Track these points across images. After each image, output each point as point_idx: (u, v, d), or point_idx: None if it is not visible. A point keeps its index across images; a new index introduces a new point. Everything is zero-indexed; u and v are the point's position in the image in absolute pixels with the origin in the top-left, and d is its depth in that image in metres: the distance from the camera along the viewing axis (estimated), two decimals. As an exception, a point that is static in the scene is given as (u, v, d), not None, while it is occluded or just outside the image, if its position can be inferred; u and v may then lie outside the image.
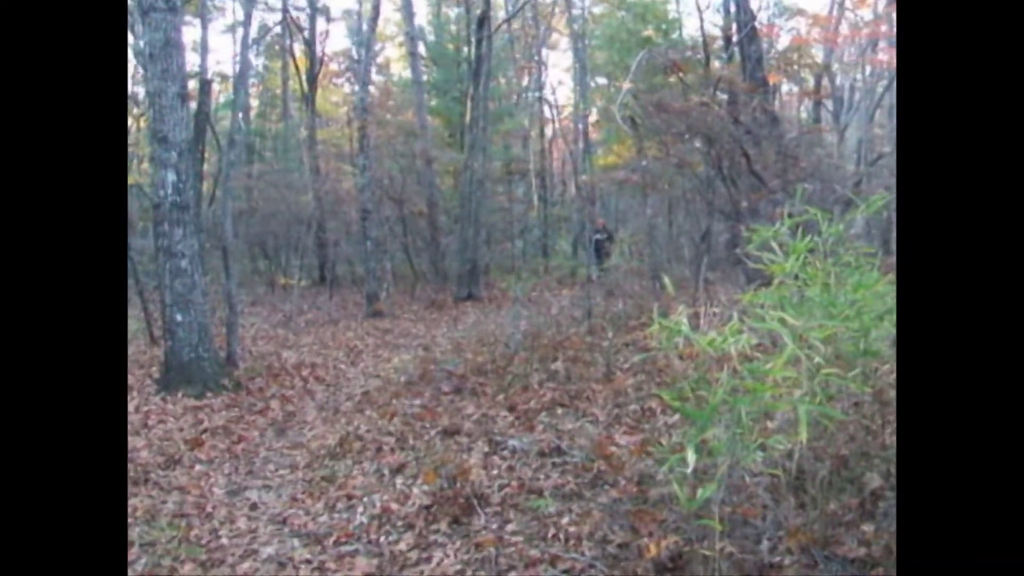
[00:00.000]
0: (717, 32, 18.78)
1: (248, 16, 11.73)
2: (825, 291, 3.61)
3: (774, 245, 3.91)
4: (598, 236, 18.76)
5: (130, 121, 27.40)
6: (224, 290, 10.20)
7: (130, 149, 26.12)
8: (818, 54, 23.88)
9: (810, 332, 3.31)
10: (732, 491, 3.83)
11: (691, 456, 2.85)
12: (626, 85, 12.33)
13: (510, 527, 4.34)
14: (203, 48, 12.39)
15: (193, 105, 9.57)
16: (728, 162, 10.34)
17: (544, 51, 32.74)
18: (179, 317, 8.36)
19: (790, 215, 4.00)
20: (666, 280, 4.02)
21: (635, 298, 13.05)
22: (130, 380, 8.99)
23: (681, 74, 12.86)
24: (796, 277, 3.83)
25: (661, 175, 14.07)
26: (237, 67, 11.27)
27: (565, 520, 4.30)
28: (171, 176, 8.15)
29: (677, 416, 6.05)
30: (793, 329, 3.23)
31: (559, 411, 6.74)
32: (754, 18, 11.56)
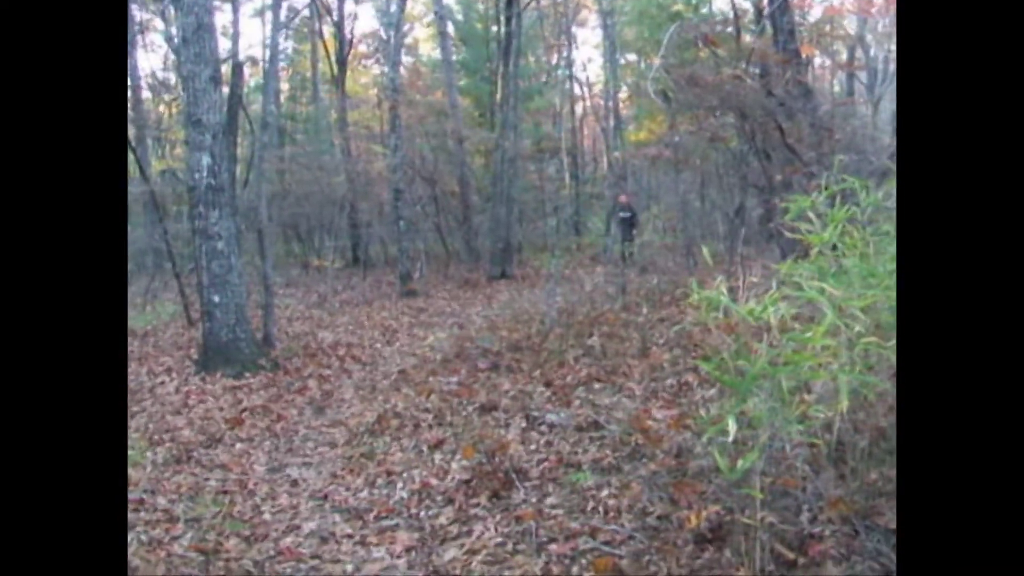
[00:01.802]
0: (748, 6, 18.63)
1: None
2: (864, 260, 3.58)
3: (811, 216, 3.89)
4: (622, 214, 18.23)
5: (161, 107, 27.64)
6: (260, 272, 10.29)
7: (161, 135, 26.38)
8: (851, 25, 23.57)
9: (849, 302, 3.29)
10: (771, 462, 3.82)
11: (732, 425, 2.85)
12: (657, 60, 12.21)
13: (549, 500, 4.36)
14: (235, 32, 12.43)
15: (226, 89, 9.60)
16: (762, 136, 10.23)
17: (573, 29, 32.57)
18: (216, 298, 8.45)
19: (826, 187, 3.97)
20: (704, 250, 4.01)
21: (669, 274, 13.03)
22: (169, 361, 9.12)
23: (713, 47, 12.72)
24: (834, 248, 3.80)
25: (694, 150, 14.00)
26: (267, 51, 11.28)
27: (604, 493, 4.31)
28: (206, 159, 8.22)
29: (714, 390, 6.05)
30: (832, 299, 3.21)
31: (596, 386, 6.74)
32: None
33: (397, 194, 16.63)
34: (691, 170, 16.66)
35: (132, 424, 6.69)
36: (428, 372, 8.18)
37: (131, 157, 11.36)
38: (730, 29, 16.75)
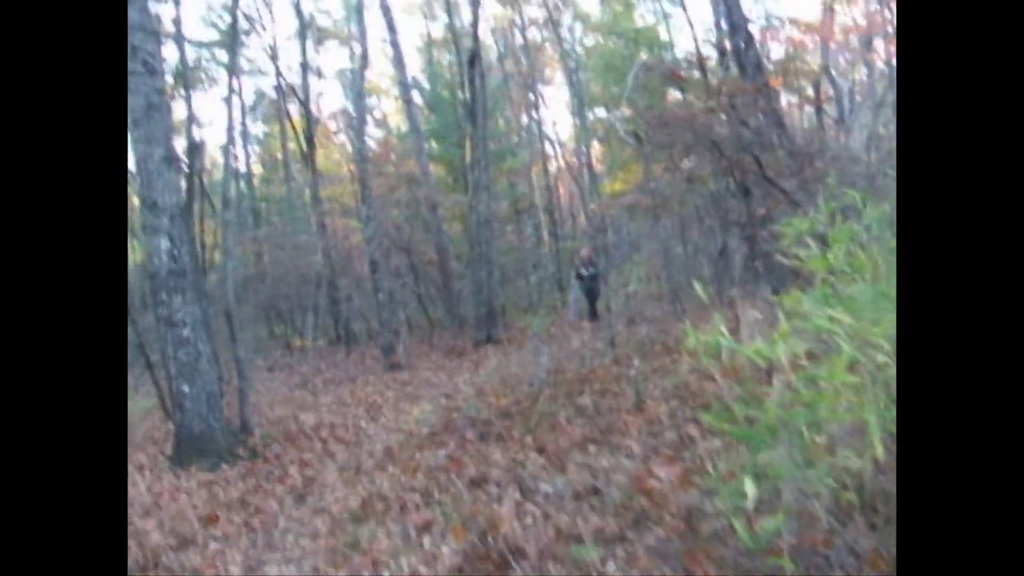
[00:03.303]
0: (710, 51, 18.57)
1: (230, 80, 11.49)
2: (876, 282, 3.20)
3: (808, 241, 3.53)
4: (583, 271, 17.05)
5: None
6: (233, 356, 9.87)
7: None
8: (814, 60, 23.69)
9: (866, 331, 2.90)
10: (789, 514, 3.42)
11: (750, 487, 2.45)
12: (624, 104, 12.00)
13: (550, 581, 3.92)
14: (189, 111, 12.16)
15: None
16: (739, 171, 9.96)
17: (540, 87, 32.68)
18: (186, 388, 8.02)
19: (824, 204, 3.61)
20: (697, 286, 3.64)
21: (657, 323, 12.67)
22: (142, 458, 8.64)
23: (681, 82, 12.52)
24: (831, 273, 3.44)
25: (671, 194, 13.71)
26: (228, 132, 11.00)
27: (611, 567, 3.88)
28: (164, 243, 7.85)
29: (719, 440, 5.64)
30: (847, 328, 2.82)
31: (591, 448, 6.31)
32: (748, 22, 11.23)
33: (373, 266, 16.28)
34: (670, 215, 16.36)
35: (97, 532, 6.20)
36: (415, 447, 7.74)
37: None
38: (696, 73, 16.63)
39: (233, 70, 13.03)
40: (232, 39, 13.26)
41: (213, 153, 38.16)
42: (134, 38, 7.78)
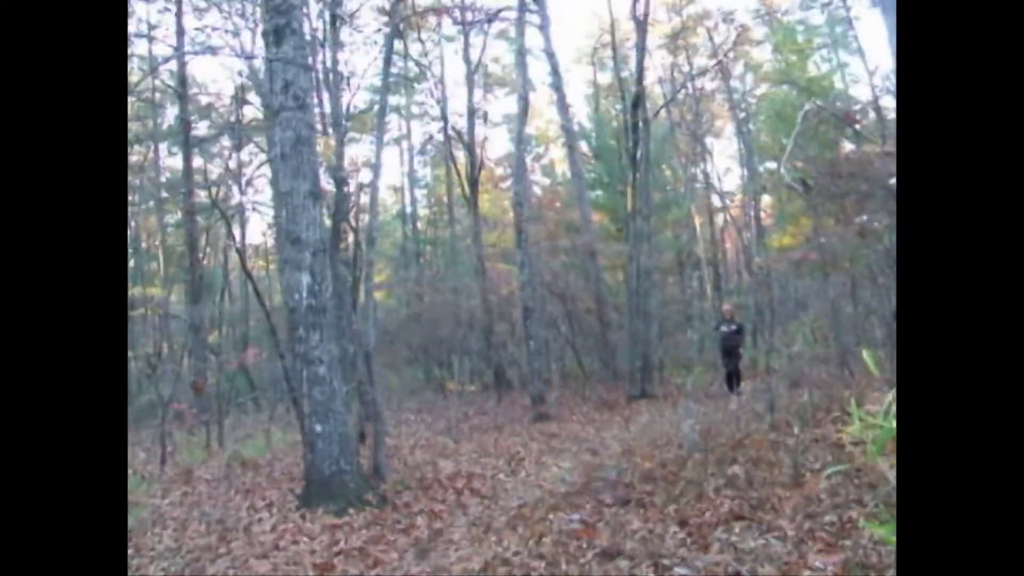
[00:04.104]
0: (889, 101, 17.52)
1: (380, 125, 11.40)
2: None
3: None
4: (724, 328, 15.56)
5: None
6: (368, 397, 9.66)
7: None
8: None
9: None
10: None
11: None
12: (789, 145, 11.26)
13: None
14: (338, 147, 12.16)
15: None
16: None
17: (708, 139, 31.99)
18: (319, 428, 7.80)
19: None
20: (864, 354, 3.05)
21: (822, 387, 11.78)
22: (273, 495, 8.49)
23: (854, 124, 11.66)
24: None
25: (841, 250, 12.80)
26: (374, 169, 10.88)
27: None
28: (305, 278, 7.70)
29: (885, 528, 4.92)
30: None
31: (738, 525, 5.67)
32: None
33: (527, 312, 15.94)
34: (840, 272, 15.36)
35: (210, 569, 6.00)
36: (549, 507, 7.23)
37: (250, 288, 11.10)
38: (871, 113, 15.68)
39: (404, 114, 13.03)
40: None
41: (382, 195, 39.27)
42: (287, 72, 7.74)
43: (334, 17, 15.34)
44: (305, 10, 20.96)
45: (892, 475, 2.70)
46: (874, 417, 2.48)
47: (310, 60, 17.42)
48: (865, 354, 3.12)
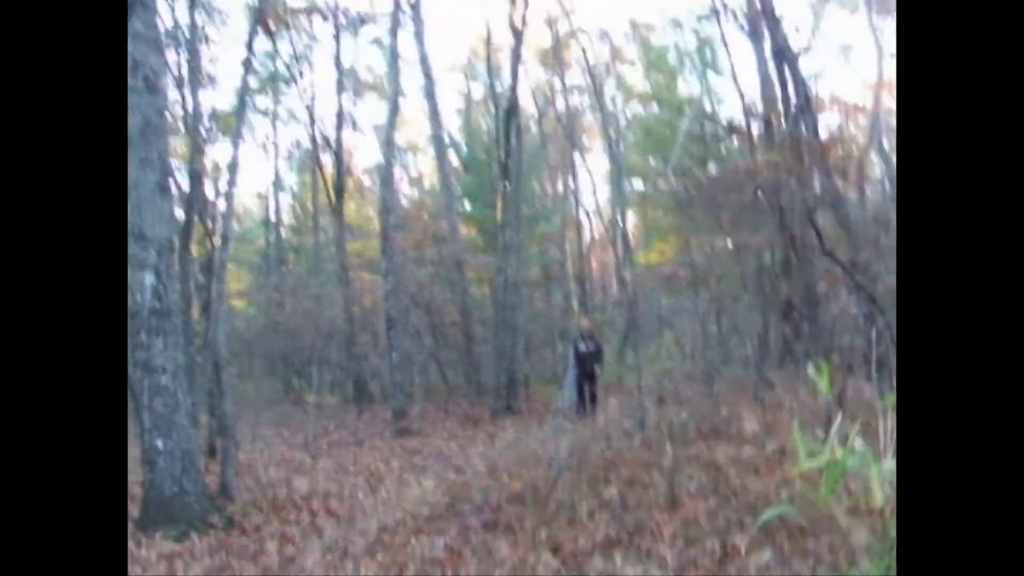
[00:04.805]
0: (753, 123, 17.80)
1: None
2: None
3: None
4: (580, 346, 14.49)
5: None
6: (217, 410, 8.95)
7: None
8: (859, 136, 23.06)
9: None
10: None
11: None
12: (675, 153, 11.13)
13: None
14: (195, 142, 11.37)
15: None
16: (801, 240, 8.97)
17: (577, 155, 32.06)
18: (160, 443, 7.08)
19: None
20: (814, 371, 2.71)
21: (689, 404, 11.66)
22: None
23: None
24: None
25: (713, 266, 12.75)
26: (232, 161, 10.09)
27: None
28: (149, 278, 6.98)
29: (769, 554, 4.63)
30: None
31: (615, 552, 5.30)
32: (807, 87, 10.41)
33: (390, 323, 15.36)
34: (706, 290, 15.37)
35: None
36: (411, 531, 6.73)
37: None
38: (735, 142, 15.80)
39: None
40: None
41: (247, 201, 37.95)
42: (136, 50, 7.04)
43: (193, 5, 14.43)
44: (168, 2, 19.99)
45: (843, 519, 2.37)
46: (822, 447, 2.12)
47: (175, 55, 16.49)
48: (813, 370, 2.79)
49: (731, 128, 11.55)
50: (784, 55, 12.82)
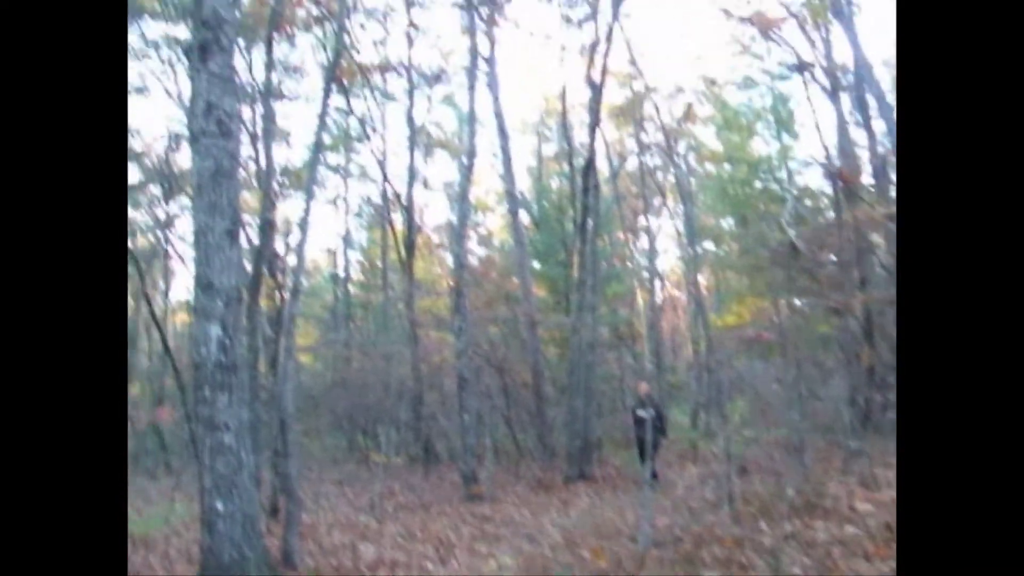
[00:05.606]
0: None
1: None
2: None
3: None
4: (640, 412, 13.53)
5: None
6: (281, 469, 8.52)
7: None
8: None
9: None
10: None
11: None
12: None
13: None
14: (267, 187, 11.12)
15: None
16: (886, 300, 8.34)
17: (650, 217, 31.60)
18: (220, 506, 6.65)
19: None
20: None
21: (774, 475, 10.97)
22: (164, 582, 7.30)
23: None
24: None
25: (800, 329, 12.06)
26: (304, 215, 9.79)
27: None
28: (215, 330, 6.63)
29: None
30: None
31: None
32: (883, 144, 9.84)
33: (461, 383, 14.87)
34: (791, 353, 14.63)
35: None
36: (486, 611, 6.20)
37: (157, 335, 10.08)
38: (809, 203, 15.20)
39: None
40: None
41: (316, 256, 38.17)
42: (211, 93, 6.78)
43: (270, 62, 14.36)
44: (245, 58, 20.16)
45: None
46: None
47: (249, 110, 16.52)
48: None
49: (837, 176, 10.97)
50: (865, 110, 12.29)
